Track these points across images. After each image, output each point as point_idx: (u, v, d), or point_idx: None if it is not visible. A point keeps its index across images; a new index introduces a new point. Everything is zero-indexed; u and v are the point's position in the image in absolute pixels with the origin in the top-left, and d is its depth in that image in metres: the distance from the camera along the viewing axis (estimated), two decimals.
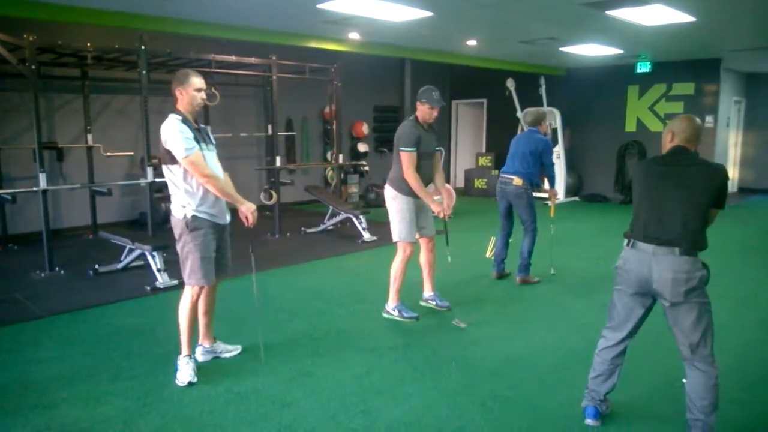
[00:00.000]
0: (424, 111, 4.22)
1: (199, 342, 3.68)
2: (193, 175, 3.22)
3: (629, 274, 2.66)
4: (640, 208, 2.68)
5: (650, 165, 2.74)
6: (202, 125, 3.45)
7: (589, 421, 2.87)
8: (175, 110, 3.32)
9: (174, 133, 3.17)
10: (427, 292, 4.70)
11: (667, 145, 2.69)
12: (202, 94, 3.34)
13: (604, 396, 2.88)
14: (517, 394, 3.23)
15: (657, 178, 2.66)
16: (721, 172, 2.57)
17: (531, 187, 5.23)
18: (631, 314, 2.73)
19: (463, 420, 2.95)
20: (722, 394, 2.62)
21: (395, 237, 4.33)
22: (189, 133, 3.21)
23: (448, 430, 2.85)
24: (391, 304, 4.43)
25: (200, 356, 3.66)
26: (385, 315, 4.44)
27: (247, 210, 3.32)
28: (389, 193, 4.34)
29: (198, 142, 3.24)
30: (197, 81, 3.33)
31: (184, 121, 3.26)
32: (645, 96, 11.23)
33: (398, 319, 4.38)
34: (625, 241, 2.72)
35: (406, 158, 4.14)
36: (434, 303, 4.66)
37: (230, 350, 3.76)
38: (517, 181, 5.17)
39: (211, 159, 3.34)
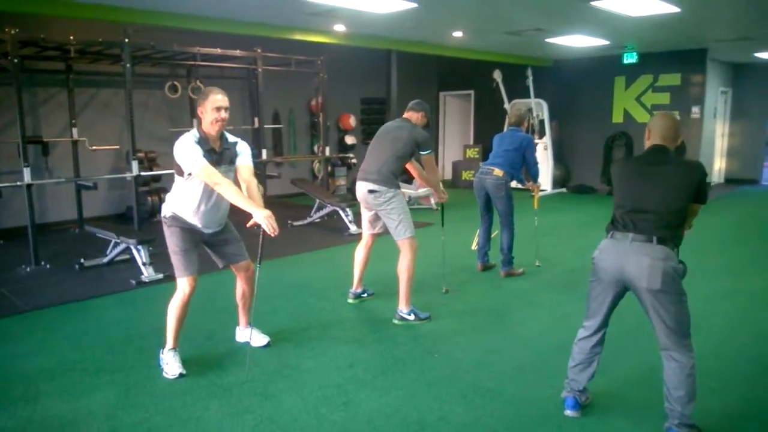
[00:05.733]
0: (424, 121, 4.47)
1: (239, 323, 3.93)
2: (204, 185, 3.27)
3: (605, 263, 2.71)
4: (620, 205, 2.73)
5: (627, 165, 2.82)
6: (231, 143, 3.41)
7: (568, 412, 2.92)
8: (197, 128, 3.32)
9: (182, 152, 3.23)
10: (360, 288, 4.74)
11: (646, 142, 2.76)
12: (222, 113, 3.25)
13: (583, 386, 2.93)
14: (498, 386, 3.27)
15: (634, 178, 2.71)
16: (696, 170, 2.63)
17: (511, 180, 5.26)
18: (603, 303, 2.78)
19: (444, 411, 2.99)
20: (700, 383, 2.67)
21: (404, 234, 4.17)
22: (198, 152, 3.21)
23: (429, 420, 2.90)
24: (406, 308, 4.25)
25: (237, 336, 3.93)
26: (398, 321, 4.23)
27: (260, 217, 3.14)
28: (387, 194, 4.16)
29: (208, 161, 3.23)
30: (216, 99, 3.24)
31: (200, 141, 3.26)
32: (632, 87, 11.29)
33: (416, 323, 4.21)
34: (606, 235, 2.76)
35: (433, 159, 4.50)
36: (366, 295, 4.77)
37: (260, 339, 3.83)
38: (498, 172, 5.18)
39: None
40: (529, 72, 11.08)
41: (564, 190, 11.83)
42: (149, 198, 8.14)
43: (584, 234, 7.56)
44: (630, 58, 10.70)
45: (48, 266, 5.80)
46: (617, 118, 11.52)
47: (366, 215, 4.48)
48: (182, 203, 3.36)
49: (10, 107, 5.90)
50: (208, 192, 3.31)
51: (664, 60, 10.72)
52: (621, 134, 11.33)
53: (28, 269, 5.72)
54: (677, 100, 10.73)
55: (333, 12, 6.71)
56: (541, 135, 11.36)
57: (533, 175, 5.45)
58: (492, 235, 5.61)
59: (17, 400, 3.12)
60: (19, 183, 5.78)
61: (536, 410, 3.01)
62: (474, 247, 5.87)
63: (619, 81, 11.40)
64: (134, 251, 5.41)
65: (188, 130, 3.37)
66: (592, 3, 6.26)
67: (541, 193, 6.23)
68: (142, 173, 6.71)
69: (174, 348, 3.46)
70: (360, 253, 4.61)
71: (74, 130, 7.72)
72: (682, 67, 10.67)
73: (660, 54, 10.67)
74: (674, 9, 6.56)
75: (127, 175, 6.51)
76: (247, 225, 3.34)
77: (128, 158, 6.64)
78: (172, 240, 3.39)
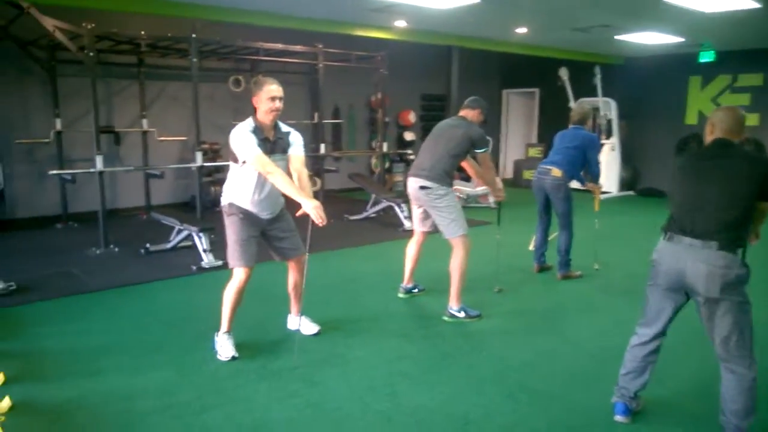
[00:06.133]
0: (480, 118, 4.36)
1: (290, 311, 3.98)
2: (258, 172, 3.34)
3: (663, 267, 2.60)
4: (678, 203, 2.61)
5: (689, 159, 2.69)
6: (285, 132, 3.48)
7: (618, 418, 2.82)
8: (253, 117, 3.40)
9: (237, 140, 3.32)
10: (411, 283, 4.72)
11: (708, 137, 2.63)
12: (276, 103, 3.32)
13: (634, 393, 2.81)
14: (547, 387, 3.20)
15: (696, 173, 2.59)
16: (762, 163, 2.48)
17: (570, 180, 5.11)
18: (663, 310, 2.66)
19: (489, 409, 2.95)
20: (760, 394, 2.52)
21: (456, 232, 4.13)
22: (252, 141, 3.29)
23: (473, 417, 2.87)
24: (456, 305, 4.22)
25: (288, 324, 3.98)
26: (448, 318, 4.21)
27: (309, 207, 3.22)
28: (438, 191, 4.13)
29: (262, 150, 3.30)
30: (271, 89, 3.32)
31: (255, 130, 3.33)
32: (708, 87, 10.75)
33: (465, 320, 4.18)
34: (662, 235, 2.65)
35: (489, 157, 4.43)
36: (417, 290, 4.76)
37: (310, 328, 3.89)
38: (556, 172, 5.04)
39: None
40: (597, 70, 10.74)
41: (632, 192, 11.41)
42: (212, 188, 8.39)
43: (649, 238, 7.19)
44: (706, 57, 10.17)
45: (116, 249, 6.08)
46: (691, 119, 10.99)
47: (416, 212, 4.47)
48: (238, 192, 3.45)
49: (86, 98, 6.20)
50: (262, 181, 3.39)
51: (744, 59, 10.12)
52: (694, 136, 10.78)
53: (97, 251, 6.01)
54: (759, 101, 10.11)
55: (394, 8, 6.71)
56: (609, 135, 11.01)
57: (594, 175, 5.27)
58: (550, 237, 5.48)
59: (81, 373, 3.30)
60: (92, 170, 6.09)
61: (585, 414, 2.93)
62: (531, 247, 5.76)
63: (695, 81, 10.87)
64: (196, 238, 5.60)
65: None
66: None
67: (606, 195, 6.02)
68: (206, 164, 6.93)
69: (228, 332, 3.56)
70: (411, 248, 4.61)
71: (144, 121, 8.06)
72: (764, 66, 10.06)
73: (740, 52, 10.09)
74: (754, 5, 6.20)
75: (192, 165, 6.74)
76: (297, 214, 3.40)
77: (193, 149, 6.87)
78: (231, 229, 3.49)
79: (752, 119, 10.02)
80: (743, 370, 2.46)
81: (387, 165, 10.08)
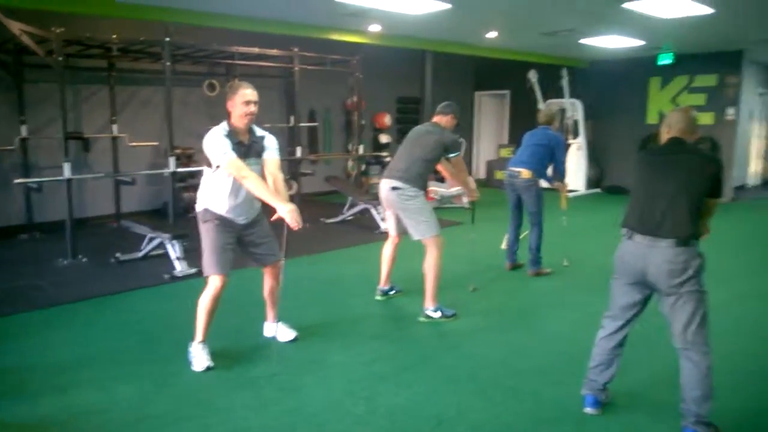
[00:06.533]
0: (453, 122, 4.46)
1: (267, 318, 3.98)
2: (233, 177, 3.34)
3: (626, 265, 2.74)
4: (636, 198, 2.75)
5: (646, 156, 2.88)
6: (259, 136, 3.50)
7: (587, 410, 2.93)
8: (227, 122, 3.40)
9: (211, 144, 3.33)
10: (388, 284, 4.78)
11: (664, 136, 2.79)
12: (251, 107, 3.34)
13: (603, 385, 2.93)
14: (519, 383, 3.29)
15: (652, 168, 2.75)
16: (714, 161, 2.67)
17: (539, 179, 5.25)
18: (629, 303, 2.79)
19: (463, 407, 3.03)
20: (717, 381, 2.65)
21: (429, 233, 4.21)
22: (226, 145, 3.30)
23: (446, 416, 2.94)
24: (432, 305, 4.29)
25: (265, 331, 3.96)
26: (423, 319, 4.27)
27: (284, 211, 3.23)
28: (409, 192, 4.22)
29: (237, 154, 3.31)
30: (246, 93, 3.33)
31: (229, 134, 3.34)
32: (667, 88, 11.09)
33: (441, 320, 4.25)
34: (623, 232, 2.78)
35: (462, 159, 4.57)
36: (393, 291, 4.82)
37: (287, 334, 3.89)
38: (525, 173, 5.19)
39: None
40: (564, 72, 10.99)
41: (598, 190, 11.68)
42: (185, 194, 8.29)
43: (615, 234, 7.26)
44: (665, 59, 10.46)
45: (85, 260, 5.93)
46: (652, 118, 11.31)
47: (390, 215, 4.54)
48: (213, 197, 3.45)
49: (54, 104, 6.09)
50: (237, 186, 3.39)
51: (700, 61, 10.50)
52: (655, 135, 11.06)
53: (65, 262, 5.84)
54: (713, 101, 10.52)
55: (367, 13, 6.76)
56: (575, 135, 11.25)
57: (560, 174, 5.45)
58: (521, 236, 5.60)
59: (52, 389, 3.22)
60: (59, 178, 5.93)
61: (556, 408, 3.02)
62: (503, 246, 5.87)
63: (655, 81, 11.21)
64: (168, 246, 5.54)
65: None
66: (624, 5, 6.18)
67: (574, 194, 6.16)
68: (179, 169, 6.86)
69: (203, 341, 3.53)
70: (387, 250, 4.66)
71: (114, 127, 7.92)
72: (718, 68, 10.45)
73: (696, 55, 10.44)
74: (709, 10, 6.44)
75: (165, 171, 6.66)
76: (272, 219, 3.42)
77: (166, 154, 6.80)
78: (206, 236, 3.47)
79: (707, 118, 10.41)
80: (700, 358, 2.59)
81: (363, 168, 10.11)
